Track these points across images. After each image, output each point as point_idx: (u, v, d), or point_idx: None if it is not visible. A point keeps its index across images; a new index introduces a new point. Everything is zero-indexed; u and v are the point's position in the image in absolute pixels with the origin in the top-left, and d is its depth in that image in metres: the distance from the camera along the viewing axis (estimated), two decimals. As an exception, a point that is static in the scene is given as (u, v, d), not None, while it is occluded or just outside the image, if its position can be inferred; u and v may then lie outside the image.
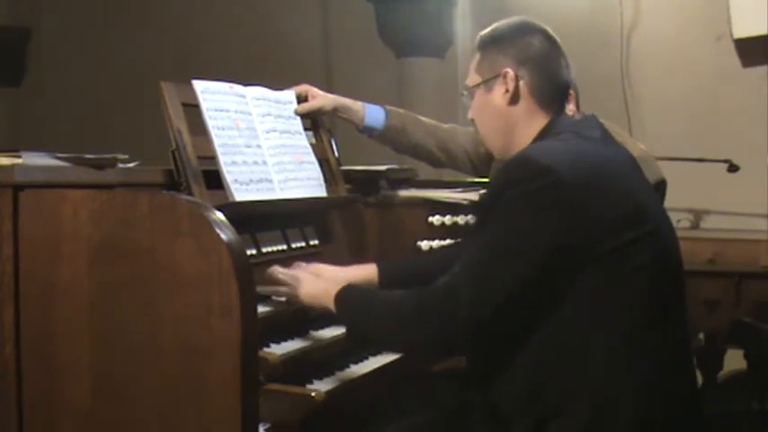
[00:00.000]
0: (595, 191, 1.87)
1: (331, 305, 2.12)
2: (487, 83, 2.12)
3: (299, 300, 2.20)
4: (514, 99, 2.08)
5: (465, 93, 2.20)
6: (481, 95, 2.14)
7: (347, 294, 2.12)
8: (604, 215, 1.86)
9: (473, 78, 2.17)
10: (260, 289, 2.14)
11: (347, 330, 2.20)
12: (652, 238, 1.91)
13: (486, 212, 1.93)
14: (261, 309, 2.11)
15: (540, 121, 2.08)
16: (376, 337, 2.14)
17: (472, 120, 2.22)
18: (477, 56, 2.17)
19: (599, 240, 1.85)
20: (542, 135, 2.06)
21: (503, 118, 2.10)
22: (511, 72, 2.07)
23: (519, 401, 1.91)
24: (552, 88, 2.09)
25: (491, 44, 2.14)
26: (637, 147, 2.94)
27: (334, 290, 2.12)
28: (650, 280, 1.89)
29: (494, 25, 2.17)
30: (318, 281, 2.23)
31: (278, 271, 2.25)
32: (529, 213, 1.85)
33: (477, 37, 2.19)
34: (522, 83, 2.08)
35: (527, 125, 2.08)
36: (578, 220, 1.84)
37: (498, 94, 2.09)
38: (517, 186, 1.86)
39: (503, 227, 1.88)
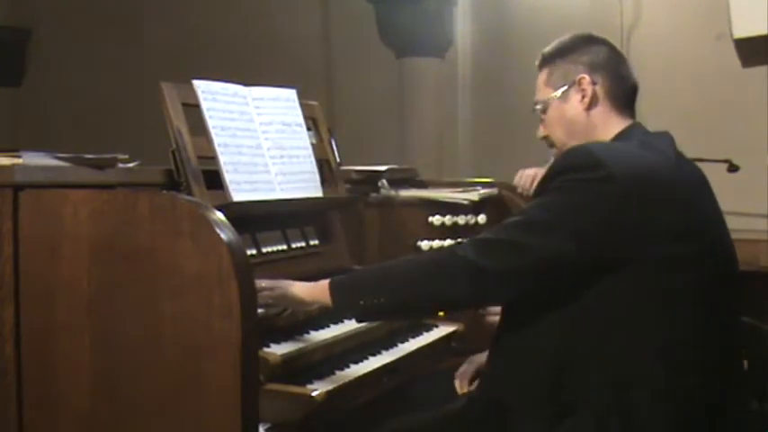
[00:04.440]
0: (643, 197, 1.89)
1: (326, 297, 2.08)
2: (562, 93, 2.16)
3: (288, 301, 2.16)
4: (592, 104, 2.13)
5: (538, 108, 2.22)
6: (557, 107, 2.17)
7: (342, 279, 2.10)
8: (646, 223, 1.88)
9: (545, 92, 2.20)
10: None
11: (355, 312, 2.09)
12: (696, 260, 1.91)
13: (538, 192, 2.00)
14: (261, 309, 2.11)
15: (616, 126, 2.12)
16: (394, 301, 2.05)
17: (544, 137, 2.25)
18: (545, 71, 2.20)
19: (633, 245, 1.86)
20: (616, 139, 2.10)
21: (581, 124, 2.14)
22: (587, 77, 2.12)
23: (536, 397, 1.92)
24: (625, 91, 2.16)
25: (559, 57, 2.19)
26: None
27: (324, 282, 2.10)
28: (686, 300, 1.90)
29: (556, 41, 2.22)
30: (304, 282, 2.18)
31: (261, 281, 2.15)
32: (573, 198, 1.90)
33: (540, 55, 2.23)
34: (597, 87, 2.13)
35: (605, 129, 2.12)
36: (618, 219, 1.87)
37: (575, 102, 2.14)
38: (569, 173, 1.92)
39: (545, 203, 1.94)
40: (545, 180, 1.97)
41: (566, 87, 2.15)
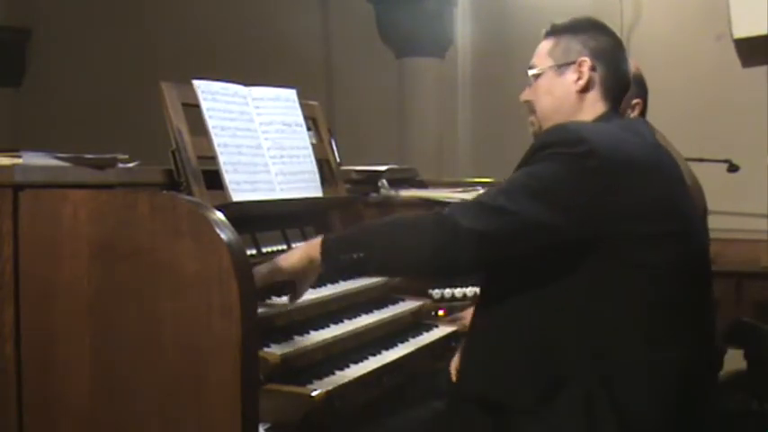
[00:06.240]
0: (622, 176, 1.94)
1: (316, 252, 2.08)
2: (560, 67, 2.18)
3: (284, 271, 2.14)
4: (587, 87, 2.16)
5: (533, 72, 2.24)
6: (551, 78, 2.20)
7: (333, 235, 2.13)
8: (625, 201, 1.92)
9: (544, 60, 2.22)
10: None
11: (339, 265, 2.10)
12: (672, 239, 1.96)
13: (521, 167, 2.03)
14: (261, 309, 2.11)
15: (599, 112, 2.16)
16: (379, 260, 2.07)
17: (527, 101, 2.27)
18: (551, 40, 2.23)
19: (614, 222, 1.91)
20: (595, 122, 2.14)
21: (569, 103, 2.17)
22: (589, 62, 2.15)
23: (523, 378, 1.95)
24: (619, 84, 2.20)
25: (568, 32, 2.22)
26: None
27: (318, 239, 2.11)
28: (664, 280, 1.94)
29: (570, 18, 2.26)
30: (293, 250, 2.19)
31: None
32: (555, 170, 1.94)
33: (551, 24, 2.26)
34: (595, 74, 2.16)
35: (588, 113, 2.16)
36: (599, 196, 1.91)
37: (570, 80, 2.17)
38: (552, 148, 1.96)
39: (531, 172, 1.97)
40: (528, 155, 2.01)
41: (566, 63, 2.18)
